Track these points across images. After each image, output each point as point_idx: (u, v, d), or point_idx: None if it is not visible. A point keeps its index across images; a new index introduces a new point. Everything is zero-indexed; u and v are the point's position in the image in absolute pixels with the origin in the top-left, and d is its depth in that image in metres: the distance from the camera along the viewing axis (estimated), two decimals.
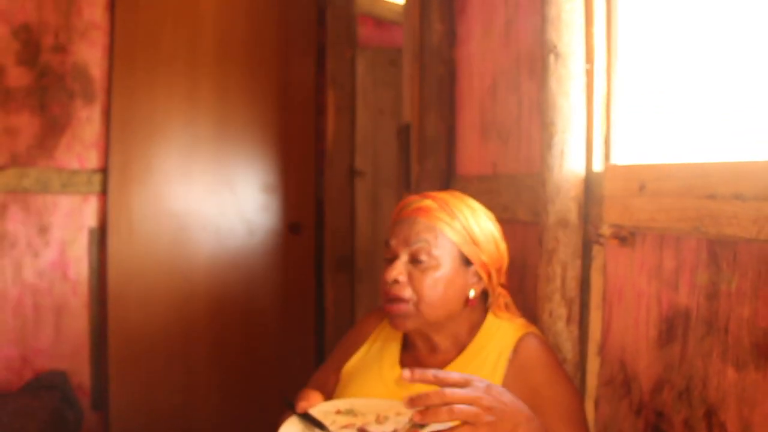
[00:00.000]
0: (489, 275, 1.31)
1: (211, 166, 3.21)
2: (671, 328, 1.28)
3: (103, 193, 3.07)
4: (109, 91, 3.07)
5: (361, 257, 3.35)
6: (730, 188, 1.05)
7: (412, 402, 0.92)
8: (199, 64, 3.18)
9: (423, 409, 0.92)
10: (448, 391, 0.92)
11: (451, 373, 0.96)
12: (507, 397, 0.97)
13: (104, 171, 3.07)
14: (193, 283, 3.18)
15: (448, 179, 2.23)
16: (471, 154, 2.15)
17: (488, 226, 1.31)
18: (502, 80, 1.93)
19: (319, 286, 3.40)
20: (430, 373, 0.95)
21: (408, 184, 2.34)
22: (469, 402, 0.92)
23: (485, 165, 2.04)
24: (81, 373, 3.08)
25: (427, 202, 1.30)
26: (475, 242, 1.28)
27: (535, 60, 1.71)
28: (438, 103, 2.16)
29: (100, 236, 3.08)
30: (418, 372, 0.95)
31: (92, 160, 3.08)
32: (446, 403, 0.91)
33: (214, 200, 3.22)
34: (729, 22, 1.20)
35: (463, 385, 0.94)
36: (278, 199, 3.31)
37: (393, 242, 1.29)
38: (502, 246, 1.33)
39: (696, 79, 1.29)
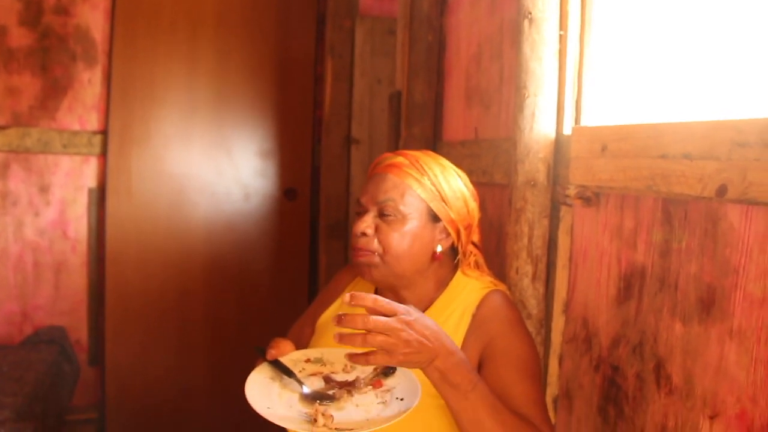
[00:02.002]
0: (458, 232, 1.34)
1: (209, 131, 3.25)
2: (629, 286, 1.33)
3: (103, 154, 3.13)
4: (110, 55, 3.11)
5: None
6: (680, 148, 1.09)
7: (339, 321, 0.97)
8: (200, 30, 3.20)
9: (345, 333, 0.98)
10: (372, 318, 0.97)
11: (383, 301, 1.00)
12: (430, 331, 1.01)
13: (104, 133, 3.12)
14: (189, 244, 3.24)
15: (434, 144, 2.26)
16: (456, 120, 2.18)
17: (458, 184, 1.33)
18: (486, 48, 1.95)
19: (313, 251, 3.45)
20: (369, 298, 0.99)
21: (396, 149, 2.37)
22: (387, 331, 0.97)
23: (468, 130, 2.08)
24: (79, 329, 3.16)
25: (399, 159, 1.33)
26: (443, 199, 1.31)
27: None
28: (426, 70, 2.18)
29: (100, 196, 3.15)
30: (357, 296, 0.99)
31: (93, 121, 3.13)
32: (366, 329, 0.97)
33: (212, 164, 3.27)
34: None
35: (389, 313, 0.99)
36: (275, 165, 3.36)
37: (364, 198, 1.33)
38: (472, 204, 1.35)
39: (664, 43, 1.32)
